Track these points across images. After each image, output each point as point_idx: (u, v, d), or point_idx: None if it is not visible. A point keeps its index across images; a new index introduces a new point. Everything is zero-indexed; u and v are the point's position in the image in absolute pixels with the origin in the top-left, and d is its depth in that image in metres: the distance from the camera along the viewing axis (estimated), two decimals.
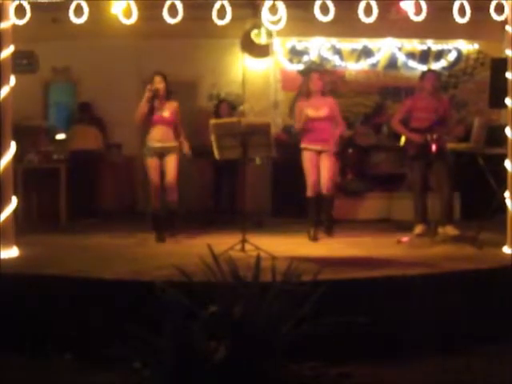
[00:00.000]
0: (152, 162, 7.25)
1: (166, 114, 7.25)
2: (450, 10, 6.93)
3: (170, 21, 6.99)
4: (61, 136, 9.55)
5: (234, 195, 8.90)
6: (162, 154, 7.25)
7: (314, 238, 7.24)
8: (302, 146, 7.37)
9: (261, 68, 10.09)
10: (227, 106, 9.11)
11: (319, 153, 7.33)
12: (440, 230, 7.12)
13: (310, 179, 7.33)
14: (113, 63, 9.68)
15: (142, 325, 4.34)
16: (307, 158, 7.34)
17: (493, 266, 5.60)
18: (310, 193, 7.36)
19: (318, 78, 7.44)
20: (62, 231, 7.93)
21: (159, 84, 7.24)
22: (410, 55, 10.22)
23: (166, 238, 7.18)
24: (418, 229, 7.26)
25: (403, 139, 7.38)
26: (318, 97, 7.35)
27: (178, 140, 7.35)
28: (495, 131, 7.71)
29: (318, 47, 10.10)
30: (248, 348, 3.77)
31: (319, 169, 7.34)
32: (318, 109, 7.28)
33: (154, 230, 7.32)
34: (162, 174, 7.29)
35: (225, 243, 6.05)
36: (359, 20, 7.05)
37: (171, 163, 7.26)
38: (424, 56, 10.22)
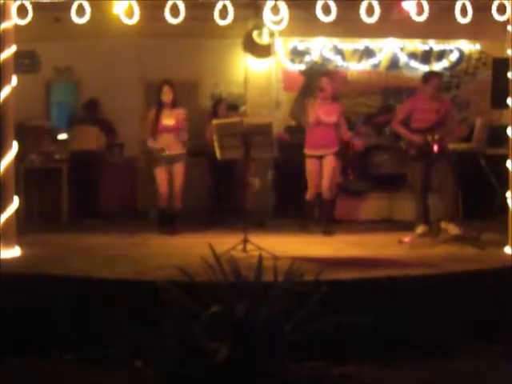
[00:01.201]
0: (160, 171, 7.51)
1: (172, 122, 7.46)
2: (452, 10, 6.92)
3: (172, 21, 6.99)
4: (63, 136, 9.56)
5: (234, 195, 8.89)
6: (169, 161, 7.46)
7: (304, 226, 7.29)
8: (306, 152, 7.50)
9: (262, 68, 10.08)
10: (225, 106, 9.11)
11: (321, 157, 7.42)
12: (443, 225, 7.11)
13: (311, 183, 7.43)
14: (115, 63, 9.68)
15: (144, 325, 4.36)
16: (310, 165, 7.51)
17: (494, 266, 5.59)
18: (309, 195, 7.44)
19: (328, 83, 7.50)
20: (63, 231, 7.92)
21: (168, 94, 7.38)
22: (412, 55, 10.23)
23: (166, 233, 7.41)
24: (420, 229, 7.26)
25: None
26: (328, 102, 7.44)
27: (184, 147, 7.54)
28: (497, 131, 7.70)
29: (320, 47, 10.09)
30: (249, 348, 3.77)
31: (321, 173, 7.43)
32: (328, 114, 7.38)
33: (158, 224, 7.60)
34: (170, 179, 7.51)
35: (226, 243, 6.04)
36: (361, 20, 7.04)
37: (179, 172, 7.53)
38: (426, 56, 10.22)
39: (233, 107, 9.43)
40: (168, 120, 7.43)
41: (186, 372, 3.72)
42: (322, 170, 7.44)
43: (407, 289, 5.07)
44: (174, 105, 7.50)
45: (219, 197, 8.96)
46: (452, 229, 7.03)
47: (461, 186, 8.04)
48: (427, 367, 4.64)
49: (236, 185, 8.77)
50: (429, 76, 7.56)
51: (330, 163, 7.45)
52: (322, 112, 7.36)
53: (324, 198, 7.54)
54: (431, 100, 7.28)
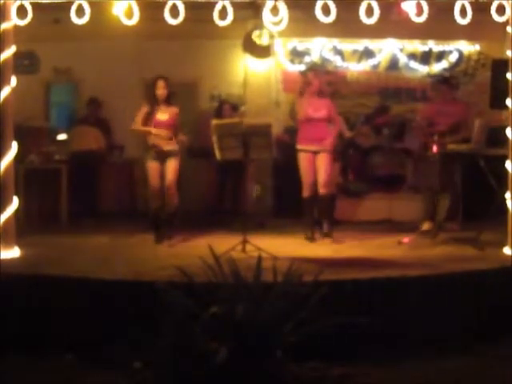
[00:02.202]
0: (152, 165, 7.27)
1: (165, 117, 7.30)
2: (452, 10, 6.92)
3: (172, 22, 6.98)
4: (62, 137, 9.56)
5: (237, 196, 8.88)
6: (162, 157, 7.28)
7: (311, 239, 7.23)
8: (298, 147, 7.40)
9: (262, 69, 10.07)
10: (229, 107, 9.10)
11: (315, 153, 7.33)
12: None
13: (306, 180, 7.33)
14: (114, 64, 9.67)
15: (143, 325, 4.36)
16: (303, 160, 7.35)
17: (494, 266, 5.60)
18: (306, 193, 7.36)
19: (314, 78, 7.49)
20: (62, 232, 7.91)
21: (162, 89, 7.29)
22: (412, 56, 10.21)
23: (164, 240, 7.17)
24: (426, 225, 7.36)
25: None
26: (315, 97, 7.38)
27: (177, 143, 7.38)
28: (496, 132, 7.70)
29: (320, 48, 10.08)
30: (249, 348, 3.77)
31: (316, 170, 7.34)
32: (316, 109, 7.31)
33: (153, 231, 7.32)
34: (162, 176, 7.31)
35: (226, 244, 6.05)
36: (360, 21, 7.03)
37: (171, 167, 7.27)
38: (425, 57, 10.21)
39: (233, 108, 9.43)
40: (162, 115, 7.30)
41: (185, 372, 3.72)
42: (317, 167, 7.34)
43: (406, 289, 5.07)
44: (169, 101, 7.36)
45: (223, 198, 8.95)
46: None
47: (461, 187, 8.07)
48: (427, 367, 4.64)
49: (240, 185, 8.76)
50: (438, 81, 7.83)
51: (324, 160, 7.27)
52: (311, 108, 7.30)
53: (320, 194, 7.40)
54: (444, 104, 7.58)
